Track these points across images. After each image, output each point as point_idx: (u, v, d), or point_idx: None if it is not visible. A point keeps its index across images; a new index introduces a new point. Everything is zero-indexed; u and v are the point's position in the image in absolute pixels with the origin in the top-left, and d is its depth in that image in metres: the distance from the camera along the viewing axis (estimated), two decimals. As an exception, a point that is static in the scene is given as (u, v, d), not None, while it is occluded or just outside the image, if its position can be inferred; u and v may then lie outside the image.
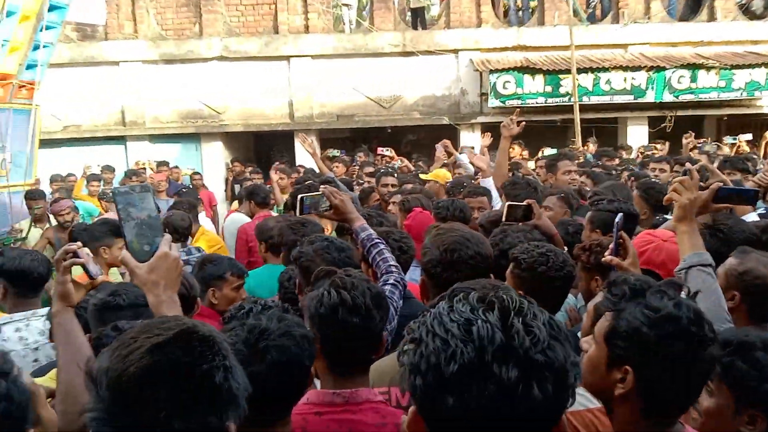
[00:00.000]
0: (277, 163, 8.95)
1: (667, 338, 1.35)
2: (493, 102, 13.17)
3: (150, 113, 14.17)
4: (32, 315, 2.95)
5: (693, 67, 12.81)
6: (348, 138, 15.08)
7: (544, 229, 3.26)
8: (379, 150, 10.50)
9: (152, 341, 1.04)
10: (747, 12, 14.21)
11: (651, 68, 12.88)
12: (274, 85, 14.03)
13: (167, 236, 1.68)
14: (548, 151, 11.87)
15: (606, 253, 2.32)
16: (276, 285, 3.09)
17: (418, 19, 14.42)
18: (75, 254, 1.95)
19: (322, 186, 3.03)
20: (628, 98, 13.10)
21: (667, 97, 13.02)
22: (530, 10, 14.29)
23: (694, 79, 12.86)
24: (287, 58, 13.91)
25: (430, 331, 0.97)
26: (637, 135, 13.31)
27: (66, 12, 8.03)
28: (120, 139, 14.06)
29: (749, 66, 12.72)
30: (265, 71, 13.94)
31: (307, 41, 13.87)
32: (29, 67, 7.50)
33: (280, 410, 1.53)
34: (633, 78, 12.92)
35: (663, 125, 13.17)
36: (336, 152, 12.94)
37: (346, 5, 14.19)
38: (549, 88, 13.00)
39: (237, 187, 9.53)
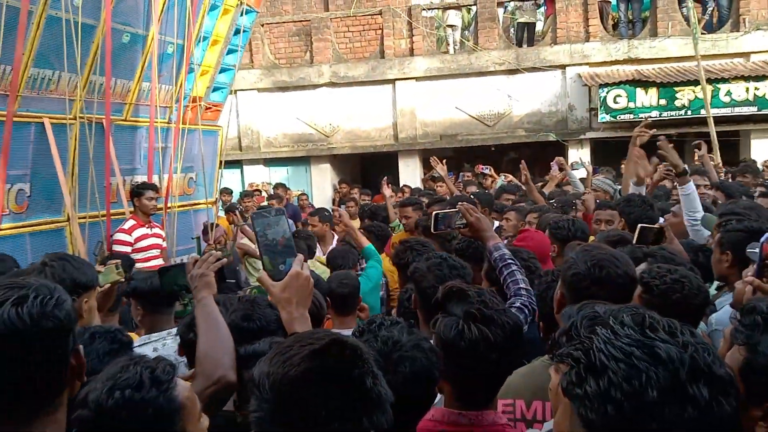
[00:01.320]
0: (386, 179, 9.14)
1: None
2: (603, 117, 12.81)
3: (264, 138, 14.91)
4: (167, 335, 3.13)
5: (826, 73, 11.91)
6: (451, 157, 15.10)
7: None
8: (480, 168, 10.47)
9: (308, 348, 1.13)
10: None
11: (777, 77, 12.08)
12: (380, 108, 14.38)
13: (300, 256, 1.78)
14: (664, 167, 11.32)
15: (748, 273, 2.12)
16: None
17: (525, 34, 14.28)
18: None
19: (459, 203, 3.07)
20: (751, 110, 12.36)
21: (797, 108, 12.17)
22: (641, 22, 13.79)
23: (827, 87, 11.96)
24: (392, 81, 14.23)
25: (611, 357, 0.93)
26: (762, 149, 12.47)
27: (248, 36, 8.33)
28: (236, 163, 14.88)
29: None
30: (371, 94, 14.32)
31: (412, 64, 14.12)
32: (215, 89, 7.95)
33: (408, 421, 1.55)
34: (756, 88, 12.20)
35: (792, 138, 12.30)
36: (441, 172, 12.99)
37: (451, 26, 14.31)
38: (663, 102, 12.49)
39: (342, 208, 9.78)
